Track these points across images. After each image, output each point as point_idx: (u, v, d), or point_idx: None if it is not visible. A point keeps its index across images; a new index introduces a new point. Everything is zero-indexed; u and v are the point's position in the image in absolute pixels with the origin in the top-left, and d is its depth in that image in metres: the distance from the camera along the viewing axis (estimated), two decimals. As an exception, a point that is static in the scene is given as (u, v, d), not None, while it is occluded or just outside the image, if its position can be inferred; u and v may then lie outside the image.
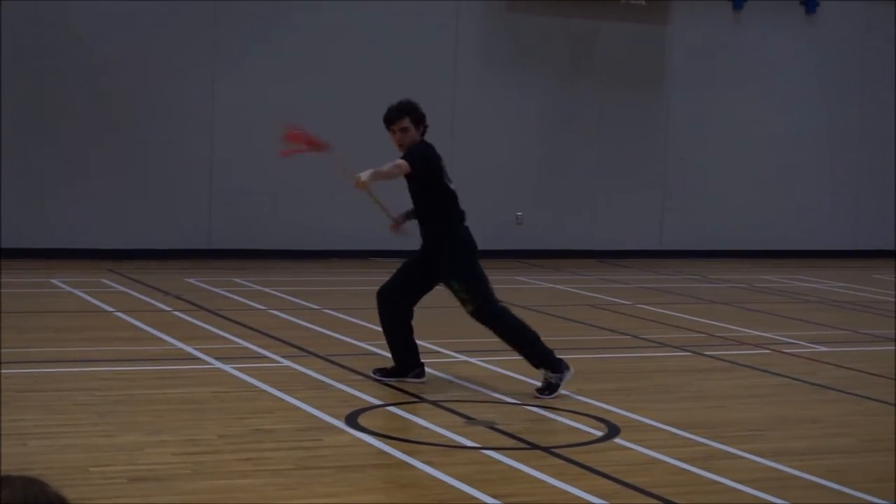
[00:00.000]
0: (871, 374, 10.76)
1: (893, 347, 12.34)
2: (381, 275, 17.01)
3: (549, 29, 20.05)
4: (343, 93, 18.93)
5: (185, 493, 6.59)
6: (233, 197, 18.50)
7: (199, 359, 10.43)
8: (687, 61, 20.96)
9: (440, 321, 13.17)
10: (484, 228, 19.56)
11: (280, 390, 9.22)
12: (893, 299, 16.16)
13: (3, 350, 10.37)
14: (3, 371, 9.51)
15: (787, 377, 10.52)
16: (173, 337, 11.39)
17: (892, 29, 21.99)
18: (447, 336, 11.85)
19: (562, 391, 9.37)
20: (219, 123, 18.40)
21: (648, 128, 20.86)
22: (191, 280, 15.63)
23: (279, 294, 14.68)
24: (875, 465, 7.71)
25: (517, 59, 20.01)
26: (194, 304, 13.56)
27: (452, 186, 9.82)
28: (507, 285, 16.19)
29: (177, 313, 12.99)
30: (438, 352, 11.12)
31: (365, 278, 16.89)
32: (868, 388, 10.11)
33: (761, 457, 7.74)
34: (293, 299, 14.28)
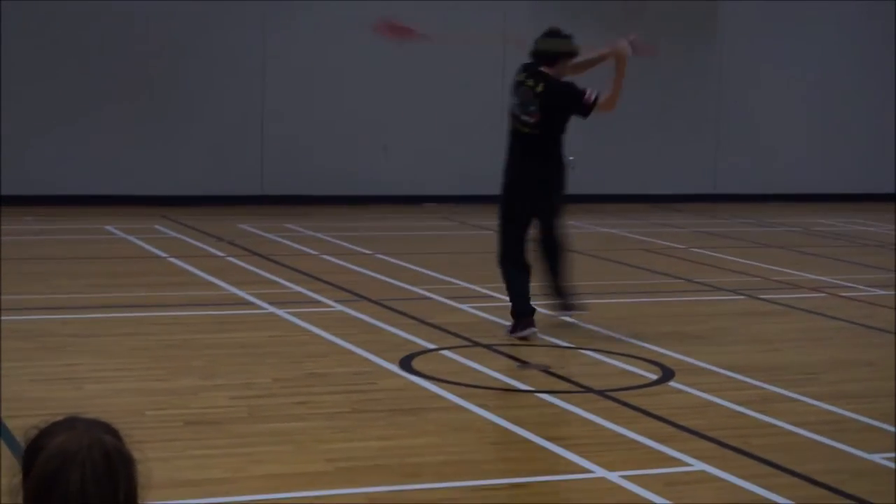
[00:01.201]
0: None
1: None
2: (433, 220, 17.18)
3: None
4: (393, 45, 18.84)
5: (241, 436, 6.62)
6: (285, 143, 18.50)
7: (252, 304, 10.46)
8: (740, 5, 20.75)
9: (491, 266, 13.17)
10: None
11: (333, 335, 9.23)
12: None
13: (58, 296, 10.44)
14: (59, 316, 9.58)
15: (844, 320, 10.45)
16: (227, 282, 11.42)
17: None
18: (498, 280, 11.83)
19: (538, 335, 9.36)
20: (270, 70, 18.39)
21: (701, 72, 20.67)
22: (243, 226, 15.66)
23: (331, 239, 14.69)
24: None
25: (566, 6, 19.86)
26: (247, 250, 13.59)
27: None
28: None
29: (230, 259, 13.02)
30: (491, 296, 11.09)
31: (416, 223, 16.92)
32: (925, 331, 10.03)
33: (817, 399, 7.70)
34: (345, 244, 14.29)
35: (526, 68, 9.67)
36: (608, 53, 9.71)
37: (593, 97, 9.42)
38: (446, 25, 18.88)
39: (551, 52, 9.61)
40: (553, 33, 9.74)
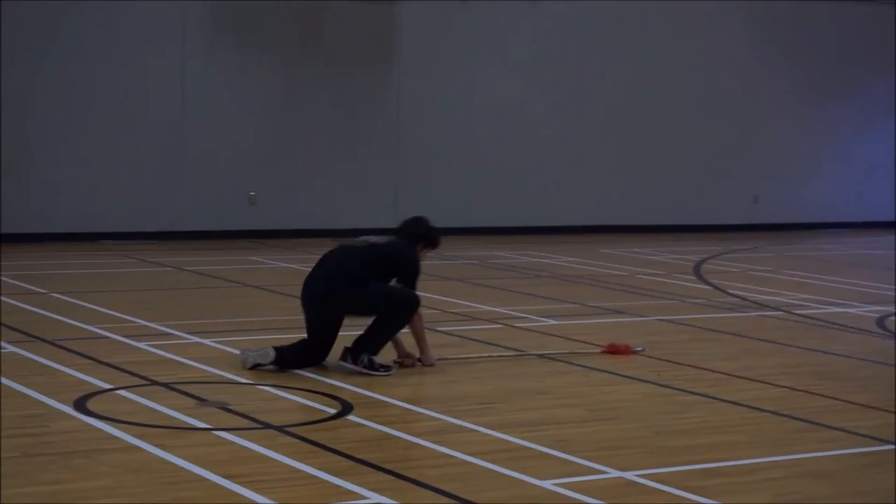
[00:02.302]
0: (597, 344, 10.98)
1: (619, 319, 12.68)
2: (111, 257, 16.88)
3: (278, 8, 19.94)
4: (52, 78, 18.52)
5: None
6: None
7: (-82, 347, 10.07)
8: (415, 40, 21.10)
9: (171, 302, 13.02)
10: (217, 208, 19.62)
11: (5, 377, 8.95)
12: (620, 273, 16.60)
13: None
14: None
15: (517, 350, 10.70)
16: None
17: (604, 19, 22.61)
18: (178, 317, 11.69)
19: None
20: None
21: (379, 106, 20.93)
22: (-89, 266, 15.09)
23: (4, 278, 14.26)
24: (599, 434, 7.91)
25: (245, 40, 19.85)
26: (-86, 291, 13.09)
27: None
28: (240, 265, 16.13)
29: None
30: (171, 333, 10.97)
31: (93, 261, 16.58)
32: (593, 360, 10.35)
33: (491, 429, 7.86)
34: (19, 283, 13.90)
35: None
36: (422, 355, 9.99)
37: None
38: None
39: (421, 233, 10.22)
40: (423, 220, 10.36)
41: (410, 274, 9.84)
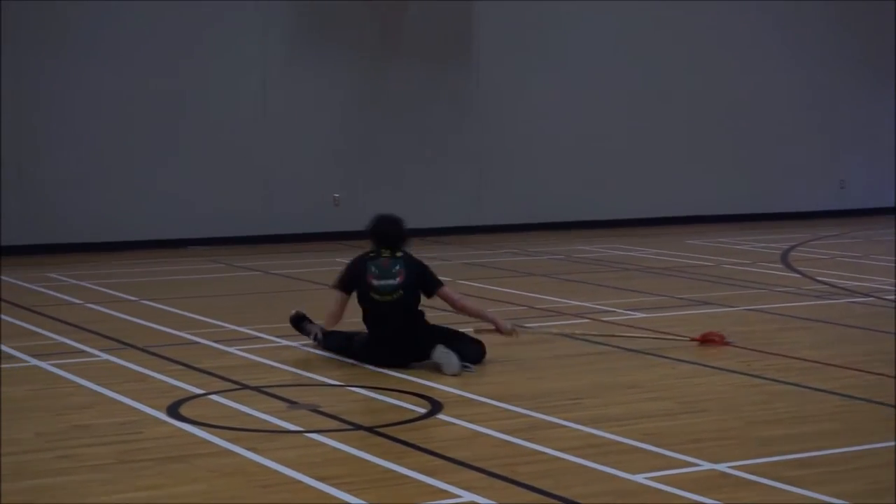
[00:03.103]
0: (686, 336, 10.93)
1: (706, 311, 12.61)
2: (198, 263, 17.03)
3: (358, 7, 20.01)
4: (134, 88, 18.73)
5: (6, 494, 6.46)
6: (43, 190, 18.14)
7: (13, 357, 10.22)
8: (494, 36, 21.10)
9: (259, 307, 13.12)
10: (302, 210, 19.73)
11: (99, 384, 9.08)
12: (706, 263, 16.51)
13: None
14: None
15: (605, 345, 10.68)
16: (-14, 336, 11.15)
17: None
18: (267, 321, 11.79)
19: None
20: (22, 114, 18.01)
21: (459, 104, 20.94)
22: (2, 277, 15.29)
23: (95, 287, 14.45)
24: (689, 427, 7.88)
25: (327, 39, 19.94)
26: (7, 301, 13.27)
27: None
28: (326, 267, 16.16)
29: (-10, 312, 12.72)
30: (260, 337, 11.06)
31: (181, 267, 16.74)
32: (681, 352, 10.30)
33: (581, 424, 7.86)
34: (110, 291, 14.07)
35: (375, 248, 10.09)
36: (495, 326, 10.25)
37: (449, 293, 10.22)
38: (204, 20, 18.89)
39: (399, 234, 10.15)
40: (393, 220, 10.22)
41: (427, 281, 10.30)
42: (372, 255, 10.02)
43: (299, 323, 10.58)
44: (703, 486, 6.53)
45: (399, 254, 10.03)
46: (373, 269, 9.90)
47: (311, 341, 10.38)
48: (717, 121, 22.93)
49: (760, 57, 23.21)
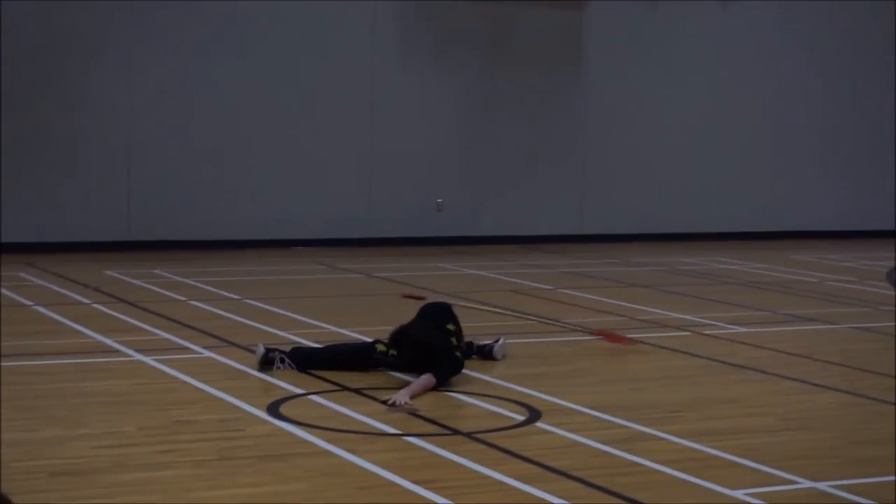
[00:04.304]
0: (789, 353, 10.87)
1: (810, 327, 12.49)
2: (302, 263, 17.15)
3: (468, 13, 20.05)
4: (247, 90, 18.90)
5: (106, 486, 6.55)
6: (151, 187, 18.38)
7: (119, 351, 10.37)
8: (604, 44, 21.05)
9: (361, 309, 13.18)
10: (405, 215, 19.80)
11: (201, 381, 9.18)
12: (810, 279, 16.35)
13: (-81, 346, 10.25)
14: (-81, 367, 9.40)
15: (707, 358, 10.62)
16: (93, 330, 11.31)
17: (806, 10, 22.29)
18: (368, 323, 11.84)
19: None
20: (136, 113, 18.26)
21: (567, 111, 20.92)
22: (110, 272, 15.52)
23: (200, 284, 14.61)
24: (790, 444, 7.81)
25: (436, 44, 20.01)
26: (114, 297, 13.47)
27: None
28: (429, 272, 16.25)
29: (96, 306, 12.89)
30: (360, 339, 11.11)
31: (285, 267, 16.88)
32: (785, 368, 10.22)
33: (681, 437, 7.82)
34: (214, 289, 14.22)
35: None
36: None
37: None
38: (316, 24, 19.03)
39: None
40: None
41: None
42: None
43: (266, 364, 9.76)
44: (803, 505, 6.48)
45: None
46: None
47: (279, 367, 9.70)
48: (830, 136, 22.67)
49: (870, 69, 22.89)
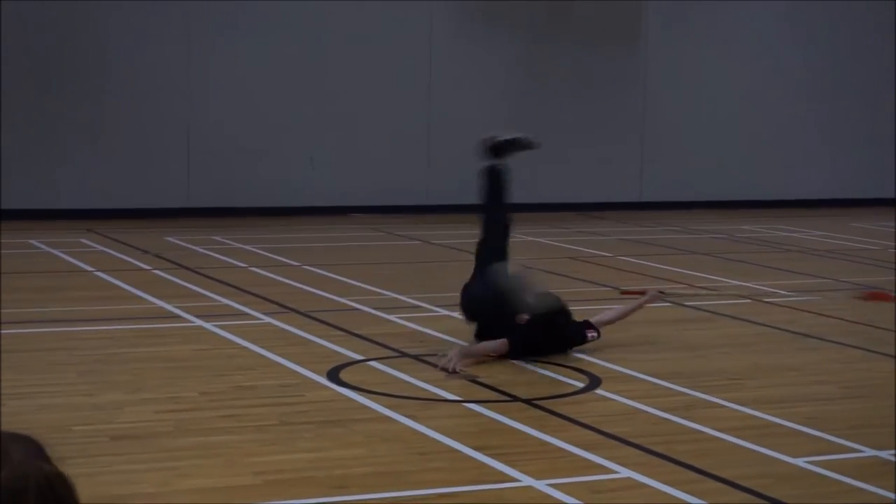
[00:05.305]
0: (850, 321, 10.80)
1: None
2: (360, 231, 17.19)
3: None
4: (305, 59, 18.91)
5: (167, 451, 6.60)
6: (211, 155, 18.46)
7: (179, 317, 10.43)
8: (662, 15, 20.92)
9: (419, 276, 13.20)
10: (462, 182, 19.74)
11: (261, 347, 9.23)
12: (872, 247, 16.22)
13: (-18, 311, 10.35)
14: (-18, 332, 9.49)
15: (767, 326, 10.56)
16: (153, 295, 11.38)
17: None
18: (427, 290, 11.86)
19: None
20: (195, 82, 18.34)
21: (625, 82, 20.82)
22: (170, 238, 15.61)
23: (259, 251, 14.67)
24: (852, 412, 7.76)
25: (493, 16, 19.95)
26: (174, 263, 13.55)
27: None
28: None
29: (157, 272, 12.98)
30: (420, 306, 11.13)
31: (343, 234, 16.92)
32: (847, 336, 10.15)
33: (741, 405, 7.78)
34: (273, 256, 14.28)
35: None
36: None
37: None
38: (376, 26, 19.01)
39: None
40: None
41: None
42: None
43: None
44: (866, 473, 6.42)
45: None
46: None
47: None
48: (887, 105, 22.44)
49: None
